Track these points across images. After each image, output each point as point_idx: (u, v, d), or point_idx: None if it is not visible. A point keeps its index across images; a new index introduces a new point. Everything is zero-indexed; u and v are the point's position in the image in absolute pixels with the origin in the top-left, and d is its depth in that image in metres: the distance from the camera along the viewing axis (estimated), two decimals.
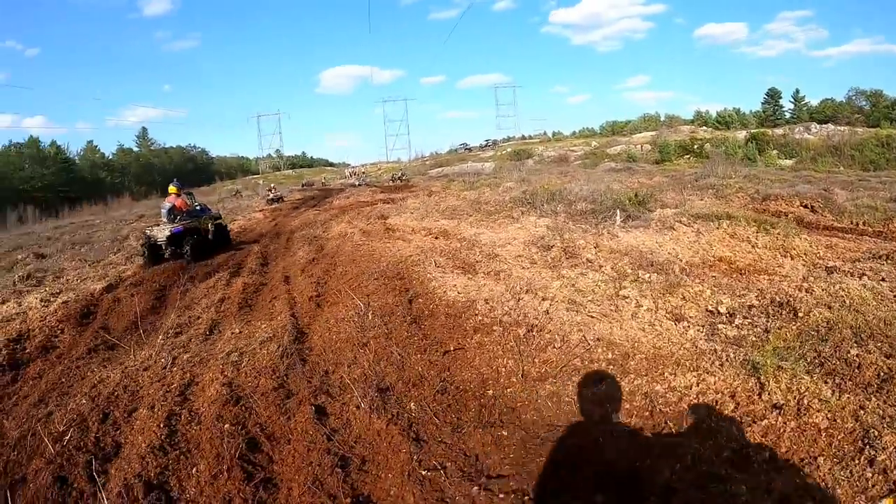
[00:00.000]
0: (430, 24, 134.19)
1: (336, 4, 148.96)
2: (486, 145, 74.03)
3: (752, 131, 49.84)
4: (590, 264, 6.23)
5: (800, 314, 4.22)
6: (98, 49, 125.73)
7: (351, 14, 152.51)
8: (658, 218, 7.93)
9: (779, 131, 48.42)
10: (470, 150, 72.87)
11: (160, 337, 5.74)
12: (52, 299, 7.89)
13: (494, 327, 4.75)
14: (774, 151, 43.14)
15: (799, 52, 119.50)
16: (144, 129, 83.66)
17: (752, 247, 7.05)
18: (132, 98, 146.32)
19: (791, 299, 4.55)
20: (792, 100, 65.54)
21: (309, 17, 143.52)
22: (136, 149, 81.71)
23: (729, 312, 4.59)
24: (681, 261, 6.34)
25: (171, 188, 11.57)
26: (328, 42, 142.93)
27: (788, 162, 39.39)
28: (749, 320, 4.33)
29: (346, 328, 5.23)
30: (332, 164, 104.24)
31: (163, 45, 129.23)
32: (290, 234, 14.01)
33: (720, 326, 4.25)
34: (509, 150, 65.10)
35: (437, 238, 9.71)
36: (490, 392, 3.86)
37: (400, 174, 46.13)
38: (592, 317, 4.61)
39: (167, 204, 11.28)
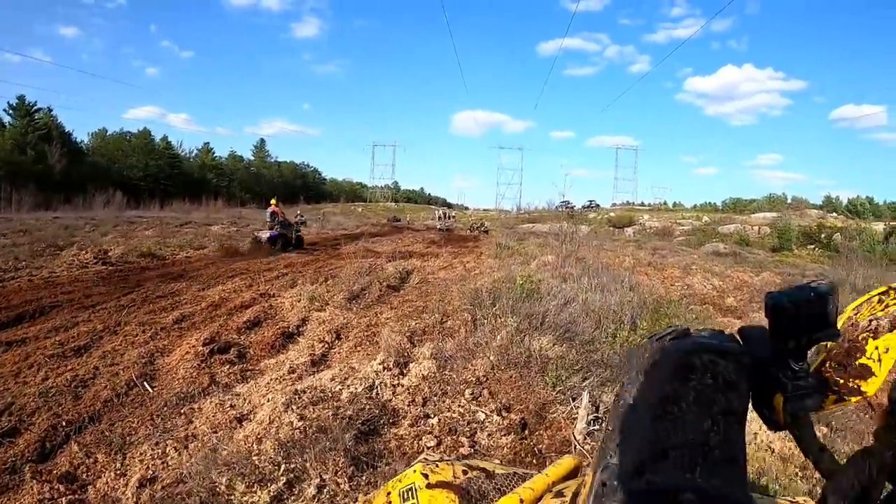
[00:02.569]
0: (564, 79, 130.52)
1: (474, 51, 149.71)
2: (588, 206, 67.82)
3: (893, 224, 39.89)
4: None
5: None
6: (247, 60, 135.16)
7: (489, 62, 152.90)
8: None
9: None
10: (571, 209, 67.05)
11: None
12: None
13: None
14: None
15: None
16: (262, 141, 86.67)
17: None
18: (272, 111, 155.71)
19: None
20: None
21: (447, 61, 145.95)
22: (250, 157, 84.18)
23: None
24: None
25: (273, 201, 17.69)
26: (463, 86, 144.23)
27: None
28: None
29: None
30: (449, 204, 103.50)
31: (309, 66, 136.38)
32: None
33: None
34: (612, 214, 58.72)
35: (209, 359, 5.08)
36: None
37: (479, 224, 41.10)
38: None
39: (269, 210, 17.15)
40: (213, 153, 77.05)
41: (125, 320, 6.81)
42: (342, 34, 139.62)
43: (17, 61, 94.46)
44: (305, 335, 5.99)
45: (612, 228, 51.28)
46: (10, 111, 51.68)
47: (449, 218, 47.20)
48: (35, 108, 52.71)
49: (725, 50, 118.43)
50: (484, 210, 77.60)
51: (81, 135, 71.33)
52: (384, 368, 4.03)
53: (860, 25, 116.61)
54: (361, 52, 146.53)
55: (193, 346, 5.26)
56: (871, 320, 0.72)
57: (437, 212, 58.24)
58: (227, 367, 4.82)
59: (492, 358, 4.29)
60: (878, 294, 0.79)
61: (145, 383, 4.37)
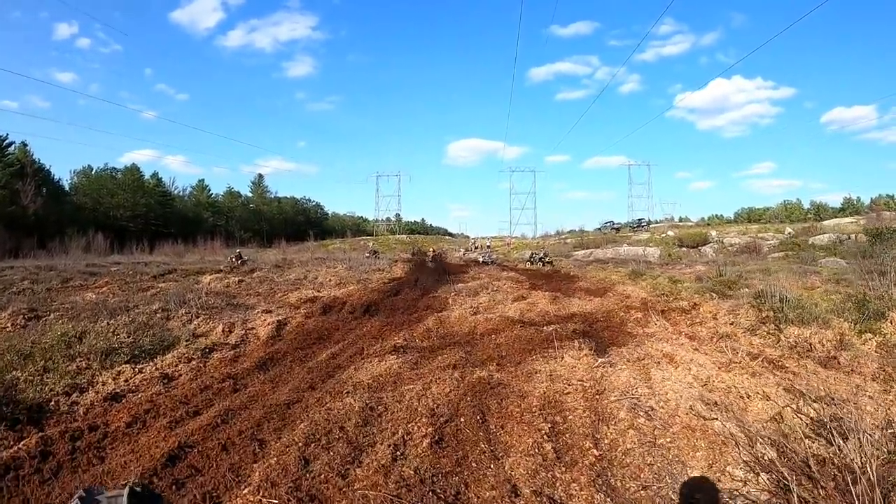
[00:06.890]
0: (556, 104, 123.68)
1: (469, 79, 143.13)
2: (638, 226, 59.83)
3: None
4: None
5: None
6: (241, 101, 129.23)
7: (481, 89, 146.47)
8: None
9: None
10: (618, 229, 59.12)
11: None
12: None
13: None
14: None
15: None
16: (260, 176, 79.72)
17: None
18: (267, 150, 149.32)
19: None
20: None
21: (441, 91, 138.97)
22: (248, 193, 77.61)
23: None
24: None
25: (432, 248, 28.16)
26: (457, 115, 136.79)
27: None
28: None
29: None
30: (451, 234, 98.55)
31: (303, 104, 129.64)
32: None
33: None
34: (670, 233, 50.38)
35: None
36: None
37: (542, 254, 32.47)
38: None
39: (431, 252, 25.07)
40: (209, 190, 69.93)
41: None
42: (334, 70, 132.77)
43: (13, 107, 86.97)
44: None
45: (683, 248, 43.36)
46: None
47: (487, 249, 44.95)
48: (7, 142, 45.17)
49: (714, 63, 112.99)
50: (494, 237, 69.82)
51: (64, 173, 64.41)
52: None
53: (847, 26, 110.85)
54: (353, 88, 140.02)
55: None
56: None
57: (470, 243, 55.00)
58: None
59: None
60: None
61: None
